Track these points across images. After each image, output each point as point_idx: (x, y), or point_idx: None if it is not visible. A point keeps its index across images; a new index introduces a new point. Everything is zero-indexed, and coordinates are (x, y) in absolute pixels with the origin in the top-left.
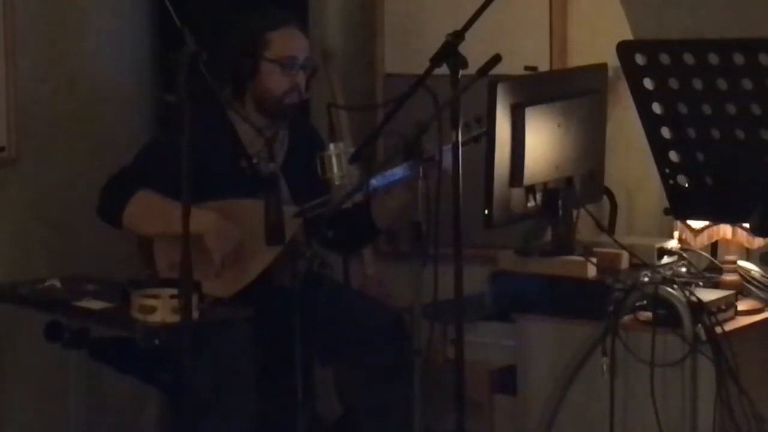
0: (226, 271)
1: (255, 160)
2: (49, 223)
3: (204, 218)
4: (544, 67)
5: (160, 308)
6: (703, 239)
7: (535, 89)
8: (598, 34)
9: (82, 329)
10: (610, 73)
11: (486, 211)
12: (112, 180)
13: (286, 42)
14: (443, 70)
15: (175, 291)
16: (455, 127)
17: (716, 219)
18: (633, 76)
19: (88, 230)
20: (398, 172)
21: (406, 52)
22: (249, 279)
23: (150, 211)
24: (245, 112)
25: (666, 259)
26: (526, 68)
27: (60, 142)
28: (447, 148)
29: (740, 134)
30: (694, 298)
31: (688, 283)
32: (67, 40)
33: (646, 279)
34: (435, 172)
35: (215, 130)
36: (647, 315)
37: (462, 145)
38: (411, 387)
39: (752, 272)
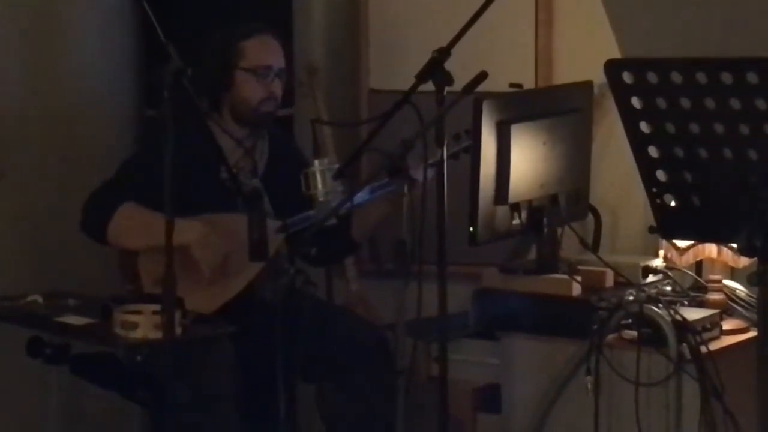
0: (212, 284)
1: (235, 171)
2: (31, 238)
3: (191, 229)
4: (528, 84)
5: (142, 324)
6: (689, 258)
7: (521, 106)
8: (583, 51)
9: (63, 345)
10: (596, 90)
11: (471, 229)
12: (95, 195)
13: (260, 51)
14: (428, 86)
15: (157, 307)
16: (440, 145)
17: (703, 239)
18: (620, 94)
19: (70, 245)
20: (380, 186)
21: (390, 68)
22: (232, 294)
23: (135, 225)
24: (223, 123)
25: (651, 278)
26: (511, 85)
27: (42, 157)
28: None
29: (728, 154)
30: (678, 317)
31: (673, 302)
32: (49, 56)
33: (631, 298)
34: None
35: (195, 141)
36: (632, 334)
37: (452, 158)
38: (394, 405)
39: (737, 291)
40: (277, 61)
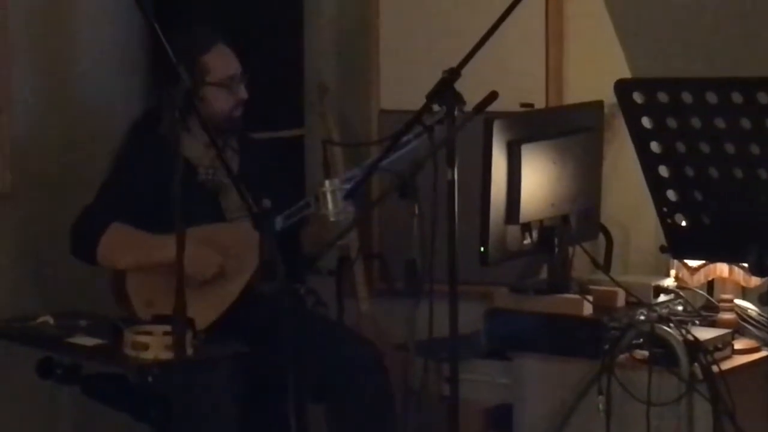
0: (206, 295)
1: (211, 171)
2: (43, 258)
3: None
4: (539, 104)
5: (153, 345)
6: (700, 277)
7: (532, 126)
8: (594, 71)
9: (74, 366)
10: (606, 110)
11: (482, 249)
12: (81, 219)
13: (223, 62)
14: None
15: (168, 328)
16: (451, 165)
17: (714, 258)
18: (631, 114)
19: (81, 266)
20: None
21: (401, 88)
22: (227, 304)
23: (124, 244)
24: (194, 131)
25: (662, 298)
26: (522, 105)
27: (53, 179)
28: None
29: (738, 173)
30: (690, 337)
31: (685, 322)
32: (61, 77)
33: (642, 317)
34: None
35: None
36: (643, 354)
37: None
38: (393, 424)
39: (749, 311)
40: (237, 66)
